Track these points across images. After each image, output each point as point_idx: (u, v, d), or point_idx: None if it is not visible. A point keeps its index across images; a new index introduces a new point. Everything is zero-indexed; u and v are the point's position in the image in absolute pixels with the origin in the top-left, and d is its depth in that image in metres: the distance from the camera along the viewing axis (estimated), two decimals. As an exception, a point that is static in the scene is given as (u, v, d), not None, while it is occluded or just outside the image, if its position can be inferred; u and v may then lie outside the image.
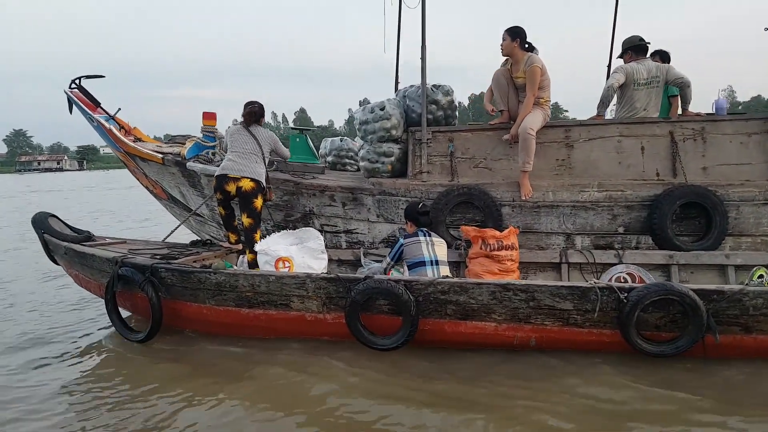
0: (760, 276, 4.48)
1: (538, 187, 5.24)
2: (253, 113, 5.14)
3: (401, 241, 4.46)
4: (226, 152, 5.16)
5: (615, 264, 5.00)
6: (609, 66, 7.72)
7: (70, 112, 6.43)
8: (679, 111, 5.62)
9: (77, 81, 6.33)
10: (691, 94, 5.40)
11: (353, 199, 5.48)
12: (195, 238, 6.79)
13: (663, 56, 6.04)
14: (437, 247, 4.36)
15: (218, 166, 5.78)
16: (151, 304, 4.16)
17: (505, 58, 5.35)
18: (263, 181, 4.98)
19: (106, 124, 6.21)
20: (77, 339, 4.70)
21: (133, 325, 4.56)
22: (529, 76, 5.15)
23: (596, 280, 3.82)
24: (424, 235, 4.42)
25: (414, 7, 7.28)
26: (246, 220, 4.88)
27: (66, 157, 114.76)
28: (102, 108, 6.43)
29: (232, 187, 4.85)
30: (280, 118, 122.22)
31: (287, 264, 4.47)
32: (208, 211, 6.11)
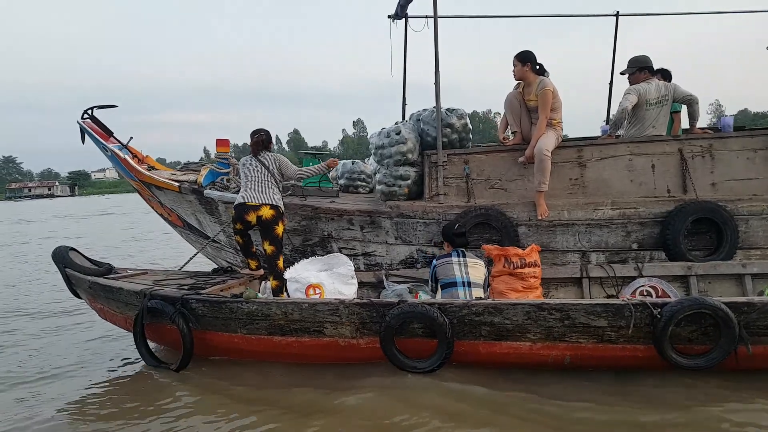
0: None
1: (553, 206, 5.36)
2: (261, 142, 5.17)
3: (434, 262, 4.54)
4: (240, 180, 5.22)
5: (635, 277, 5.11)
6: (611, 83, 7.94)
7: (83, 142, 6.48)
8: (682, 127, 5.78)
9: (90, 111, 6.39)
10: (699, 110, 5.56)
11: (371, 222, 5.56)
12: (212, 264, 6.87)
13: (665, 74, 6.22)
14: (471, 268, 4.44)
15: (235, 192, 5.89)
16: (183, 335, 4.20)
17: (518, 81, 5.50)
18: (282, 207, 5.05)
19: (121, 154, 6.27)
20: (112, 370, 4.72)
21: (162, 357, 4.58)
22: (542, 99, 5.29)
23: (629, 297, 3.91)
24: (458, 256, 4.49)
25: (419, 31, 7.53)
26: (268, 248, 4.92)
27: (57, 183, 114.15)
28: (115, 137, 6.49)
29: (252, 217, 4.89)
30: (274, 140, 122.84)
31: (318, 290, 4.54)
32: (225, 237, 6.17)
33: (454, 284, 4.35)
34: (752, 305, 3.57)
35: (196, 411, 3.72)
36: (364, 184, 7.00)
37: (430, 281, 4.69)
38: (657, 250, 5.33)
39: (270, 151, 5.26)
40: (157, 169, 6.59)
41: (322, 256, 5.46)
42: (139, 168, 6.27)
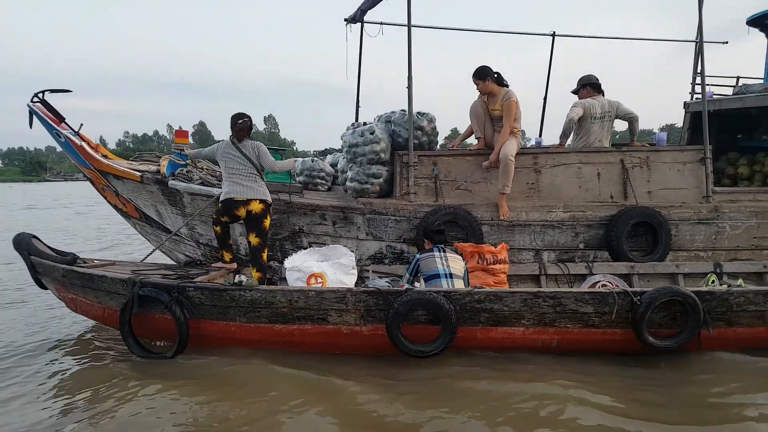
0: (713, 281, 5.32)
1: (513, 207, 5.81)
2: (246, 129, 5.08)
3: (417, 256, 4.79)
4: (214, 164, 5.16)
5: (586, 275, 5.66)
6: (545, 99, 8.58)
7: (30, 126, 6.12)
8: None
9: (40, 95, 6.05)
10: (638, 127, 6.25)
11: (344, 217, 5.74)
12: (165, 257, 6.72)
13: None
14: (451, 261, 4.74)
15: (200, 184, 5.84)
16: (179, 323, 4.17)
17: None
18: (270, 200, 5.10)
19: (76, 141, 5.99)
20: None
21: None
22: (506, 110, 5.74)
23: (613, 286, 4.42)
24: (439, 251, 4.78)
25: (374, 36, 7.78)
26: (254, 240, 4.96)
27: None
28: (66, 123, 6.18)
29: (242, 212, 4.90)
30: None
31: (320, 280, 4.65)
32: (186, 230, 6.08)
33: (437, 276, 4.62)
34: (713, 294, 4.20)
35: (195, 401, 3.69)
36: (323, 181, 7.13)
37: (407, 275, 4.91)
38: (601, 250, 5.93)
39: (250, 138, 5.17)
40: (110, 158, 6.36)
41: (314, 248, 5.45)
42: (97, 156, 6.04)
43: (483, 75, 5.80)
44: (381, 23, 7.65)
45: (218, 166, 5.33)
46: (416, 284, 4.85)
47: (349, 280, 4.82)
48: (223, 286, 4.31)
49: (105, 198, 6.57)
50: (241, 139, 5.09)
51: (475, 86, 5.90)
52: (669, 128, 38.41)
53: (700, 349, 4.29)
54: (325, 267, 4.76)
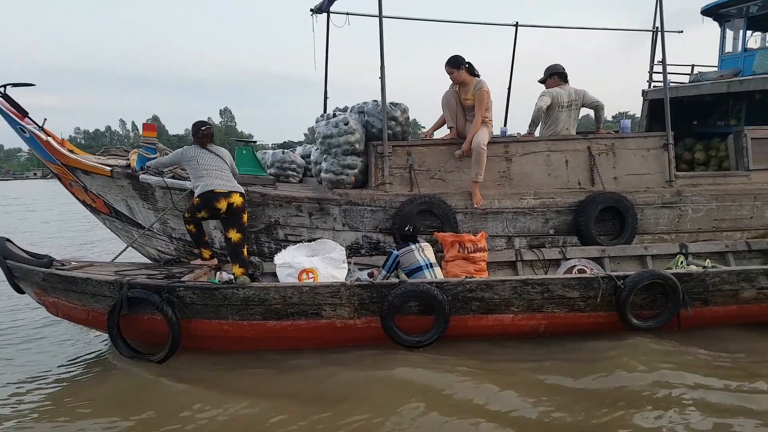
0: (681, 262, 5.57)
1: (485, 195, 5.93)
2: (210, 135, 5.16)
3: (395, 252, 4.86)
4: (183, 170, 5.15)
5: (559, 260, 5.83)
6: (509, 89, 8.74)
7: (-9, 121, 5.94)
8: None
9: (2, 89, 5.85)
10: (604, 115, 6.45)
11: (320, 209, 5.75)
12: (136, 253, 6.61)
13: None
14: (427, 252, 4.84)
15: (172, 178, 5.76)
16: (171, 324, 4.12)
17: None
18: (245, 195, 5.09)
19: (42, 136, 5.81)
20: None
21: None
22: (478, 99, 5.84)
23: (589, 270, 4.58)
24: (414, 243, 4.88)
25: (341, 27, 7.80)
26: (235, 236, 4.86)
27: None
28: (30, 118, 6.00)
29: (223, 204, 4.81)
30: (129, 126, 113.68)
31: (311, 275, 4.65)
32: (158, 225, 6.00)
33: (420, 268, 4.71)
34: (691, 275, 4.46)
35: (197, 403, 3.69)
36: (294, 173, 7.11)
37: (385, 269, 4.92)
38: (570, 235, 6.11)
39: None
40: (77, 153, 6.21)
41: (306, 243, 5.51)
42: (63, 151, 5.87)
43: (456, 64, 5.88)
44: (347, 14, 7.68)
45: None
46: (399, 278, 4.91)
47: (340, 274, 4.84)
48: (215, 284, 4.28)
49: (73, 194, 6.40)
50: (205, 145, 5.11)
51: (449, 75, 5.97)
52: (622, 116, 39.48)
53: (679, 328, 4.52)
54: (316, 262, 4.77)
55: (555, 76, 6.40)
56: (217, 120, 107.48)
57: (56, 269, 4.61)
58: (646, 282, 4.31)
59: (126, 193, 5.96)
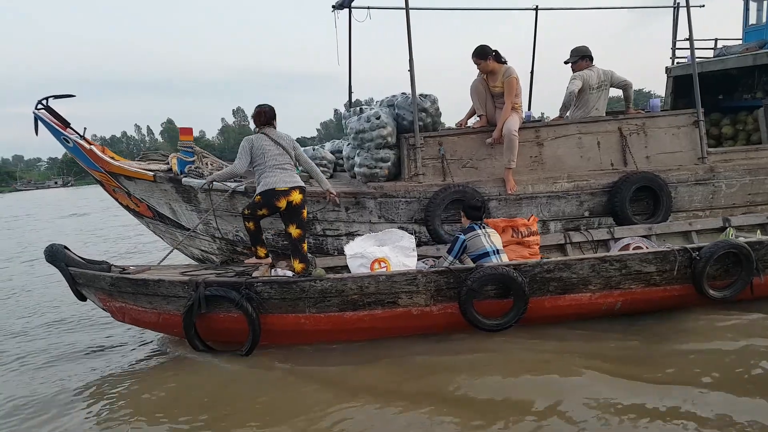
0: (732, 234, 5.75)
1: (519, 181, 6.00)
2: (262, 114, 5.01)
3: (462, 237, 4.81)
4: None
5: (607, 240, 5.93)
6: (531, 72, 8.74)
7: (36, 133, 6.13)
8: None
9: (45, 101, 6.05)
10: (633, 94, 6.48)
11: (356, 203, 5.87)
12: (179, 254, 6.80)
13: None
14: (493, 237, 4.86)
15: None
16: (250, 320, 4.21)
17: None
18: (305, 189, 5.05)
19: (86, 145, 6.02)
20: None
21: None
22: (507, 86, 5.90)
23: (645, 247, 4.85)
24: (480, 227, 4.88)
25: (362, 21, 7.87)
26: (295, 231, 4.89)
27: None
28: (72, 128, 6.20)
29: (283, 203, 4.82)
30: (144, 131, 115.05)
31: (383, 264, 4.74)
32: (202, 226, 6.17)
33: (486, 254, 4.70)
34: (762, 243, 4.57)
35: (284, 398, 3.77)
36: (325, 169, 7.22)
37: (452, 255, 4.83)
38: (605, 216, 6.16)
39: (275, 128, 5.09)
40: (118, 160, 6.40)
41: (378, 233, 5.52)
42: (107, 158, 6.07)
43: (483, 54, 5.94)
44: (368, 8, 7.75)
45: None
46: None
47: (410, 262, 4.89)
48: (292, 278, 4.39)
49: (116, 199, 6.60)
50: (261, 125, 5.02)
51: (476, 66, 6.04)
52: (638, 93, 38.97)
53: (752, 296, 4.61)
54: (386, 251, 4.84)
55: (584, 59, 6.41)
56: (230, 120, 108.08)
57: (124, 274, 4.67)
58: (722, 252, 4.40)
59: (169, 196, 6.13)
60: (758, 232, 5.68)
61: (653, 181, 5.99)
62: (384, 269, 4.76)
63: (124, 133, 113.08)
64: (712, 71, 8.35)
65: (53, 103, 6.07)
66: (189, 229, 6.18)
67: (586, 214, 6.15)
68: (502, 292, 4.38)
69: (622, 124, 6.26)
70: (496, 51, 6.04)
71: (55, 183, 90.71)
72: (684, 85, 8.60)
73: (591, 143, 6.23)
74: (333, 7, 7.60)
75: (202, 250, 6.47)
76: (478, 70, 6.11)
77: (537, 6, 8.51)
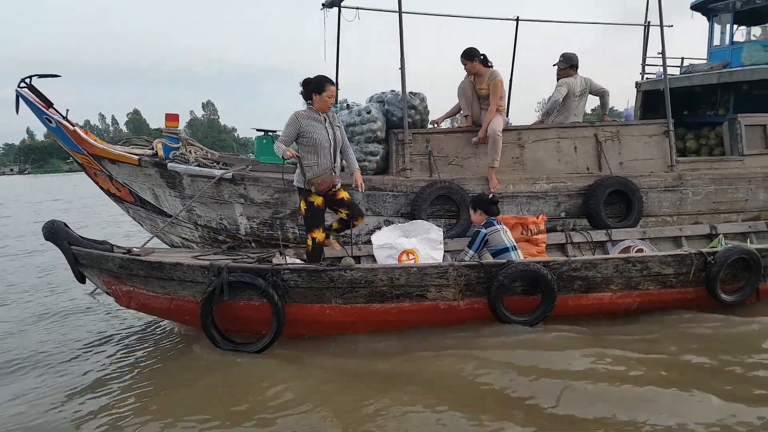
0: (721, 242, 6.02)
1: (501, 180, 6.21)
2: (308, 83, 4.73)
3: (483, 231, 4.89)
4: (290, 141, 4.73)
5: (605, 242, 6.19)
6: (510, 80, 9.01)
7: (17, 111, 6.01)
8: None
9: (28, 80, 5.94)
10: (609, 101, 6.80)
11: None
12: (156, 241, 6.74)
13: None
14: (510, 233, 5.01)
15: (197, 166, 5.91)
16: (275, 309, 4.05)
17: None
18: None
19: (69, 126, 5.93)
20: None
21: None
22: (493, 88, 6.12)
23: (645, 251, 4.99)
24: (499, 224, 4.99)
25: (351, 21, 8.00)
26: (347, 195, 4.99)
27: None
28: (55, 108, 6.10)
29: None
30: (109, 120, 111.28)
31: (411, 256, 4.76)
32: (185, 213, 6.14)
33: (506, 250, 4.83)
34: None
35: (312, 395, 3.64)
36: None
37: (473, 249, 4.88)
38: (580, 218, 6.43)
39: (315, 100, 4.71)
40: (101, 143, 6.32)
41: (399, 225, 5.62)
42: (91, 140, 5.99)
43: (471, 56, 6.15)
44: (357, 8, 7.88)
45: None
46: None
47: (437, 255, 4.94)
48: (320, 267, 4.26)
49: (96, 183, 6.50)
50: (308, 97, 4.75)
51: (463, 66, 6.24)
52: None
53: (758, 300, 4.85)
54: (414, 243, 4.88)
55: (573, 67, 6.65)
56: (199, 113, 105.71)
57: (135, 255, 4.43)
58: (735, 257, 4.59)
59: (153, 181, 6.09)
60: (748, 240, 6.07)
61: (626, 186, 6.29)
62: (412, 261, 4.74)
63: (87, 122, 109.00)
64: (679, 87, 8.79)
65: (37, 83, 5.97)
66: (171, 216, 6.15)
67: (563, 215, 6.40)
68: (529, 289, 4.45)
69: (598, 130, 6.56)
70: (483, 55, 6.25)
71: (11, 170, 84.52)
72: (652, 99, 9.04)
73: (569, 148, 6.50)
74: (323, 5, 7.72)
75: (183, 238, 6.43)
76: (466, 72, 6.30)
77: (518, 17, 8.81)
